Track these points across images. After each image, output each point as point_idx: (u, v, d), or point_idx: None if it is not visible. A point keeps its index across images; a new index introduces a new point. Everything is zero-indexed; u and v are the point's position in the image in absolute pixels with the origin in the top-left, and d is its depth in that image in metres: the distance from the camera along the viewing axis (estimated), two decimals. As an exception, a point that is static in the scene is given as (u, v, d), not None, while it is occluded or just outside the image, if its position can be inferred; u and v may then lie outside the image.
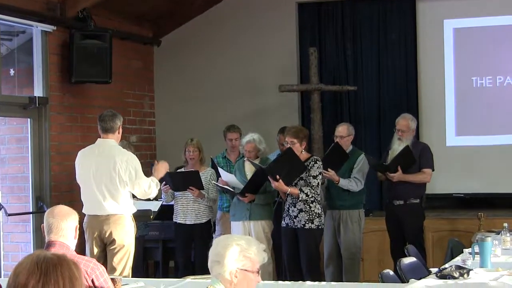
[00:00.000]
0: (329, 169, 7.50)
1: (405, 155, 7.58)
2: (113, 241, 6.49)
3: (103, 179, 6.53)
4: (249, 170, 7.75)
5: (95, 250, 6.56)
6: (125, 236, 6.52)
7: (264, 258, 3.60)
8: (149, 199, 7.42)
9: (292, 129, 7.39)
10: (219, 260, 3.51)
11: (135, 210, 6.71)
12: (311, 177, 7.14)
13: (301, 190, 7.12)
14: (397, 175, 7.62)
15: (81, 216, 5.15)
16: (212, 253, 3.56)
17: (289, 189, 7.11)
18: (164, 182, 7.65)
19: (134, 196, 6.80)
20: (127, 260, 6.55)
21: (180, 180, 7.81)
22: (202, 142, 8.10)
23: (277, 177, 7.04)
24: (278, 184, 7.09)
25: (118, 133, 6.70)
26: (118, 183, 6.50)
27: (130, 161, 6.55)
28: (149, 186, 6.58)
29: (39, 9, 8.09)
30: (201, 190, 7.78)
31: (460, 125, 9.69)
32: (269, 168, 7.19)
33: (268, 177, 7.18)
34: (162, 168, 6.91)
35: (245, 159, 7.83)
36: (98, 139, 6.73)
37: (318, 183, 7.20)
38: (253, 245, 3.57)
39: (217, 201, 8.22)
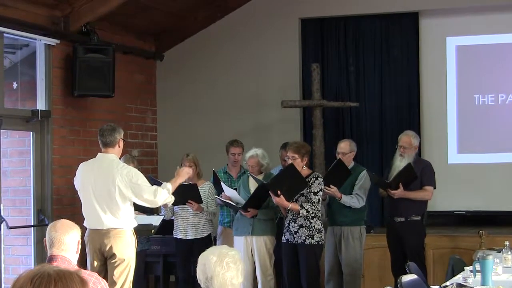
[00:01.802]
0: (331, 186, 7.49)
1: (407, 172, 7.56)
2: (113, 255, 6.47)
3: (103, 194, 6.51)
4: (253, 185, 7.74)
5: (96, 264, 6.54)
6: (125, 250, 6.50)
7: None
8: (153, 213, 7.40)
9: (294, 144, 7.40)
10: (236, 273, 3.55)
11: (135, 224, 6.68)
12: (312, 193, 7.14)
13: (301, 206, 7.11)
14: (398, 192, 7.61)
15: (83, 229, 5.14)
16: (219, 268, 3.55)
17: (290, 205, 7.11)
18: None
19: (137, 208, 6.80)
20: (128, 274, 6.53)
21: (178, 194, 7.79)
22: (203, 156, 8.10)
23: (278, 192, 7.05)
24: (279, 200, 7.09)
25: (119, 146, 6.67)
26: (117, 198, 6.47)
27: (129, 175, 6.51)
28: (155, 195, 6.51)
29: (42, 23, 8.11)
30: (200, 204, 7.78)
31: (462, 142, 9.68)
32: (270, 184, 7.19)
33: (269, 192, 7.18)
34: (184, 173, 6.91)
35: (248, 173, 7.83)
36: (99, 153, 6.70)
37: (319, 199, 7.20)
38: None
39: (217, 215, 8.22)
